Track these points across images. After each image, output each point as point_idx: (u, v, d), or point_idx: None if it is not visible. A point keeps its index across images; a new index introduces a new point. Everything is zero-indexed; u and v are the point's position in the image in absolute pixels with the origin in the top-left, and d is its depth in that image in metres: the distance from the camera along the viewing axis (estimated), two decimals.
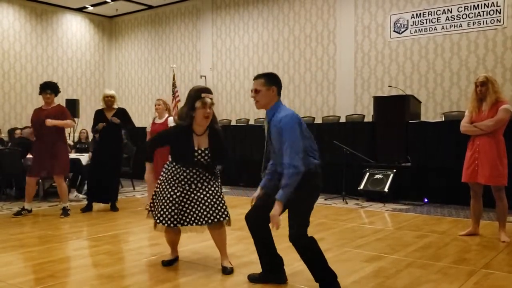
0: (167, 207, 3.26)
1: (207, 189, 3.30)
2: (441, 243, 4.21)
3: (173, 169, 3.30)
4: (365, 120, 8.72)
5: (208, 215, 3.25)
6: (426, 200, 6.50)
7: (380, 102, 7.46)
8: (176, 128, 3.33)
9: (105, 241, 4.32)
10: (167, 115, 5.91)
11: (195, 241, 4.11)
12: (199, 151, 3.26)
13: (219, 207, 3.28)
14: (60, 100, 12.12)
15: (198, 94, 3.22)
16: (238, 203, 6.61)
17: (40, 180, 6.88)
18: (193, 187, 3.29)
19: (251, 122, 10.32)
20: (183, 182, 3.28)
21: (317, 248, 2.85)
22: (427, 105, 8.79)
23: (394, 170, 6.72)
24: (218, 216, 3.26)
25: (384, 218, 5.57)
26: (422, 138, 6.81)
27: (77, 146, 8.89)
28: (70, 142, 9.30)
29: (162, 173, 3.38)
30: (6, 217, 5.55)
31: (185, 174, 3.28)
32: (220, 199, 3.32)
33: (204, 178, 3.32)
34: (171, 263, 3.55)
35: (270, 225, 2.86)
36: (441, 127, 6.75)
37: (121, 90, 14.09)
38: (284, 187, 2.70)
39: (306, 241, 2.83)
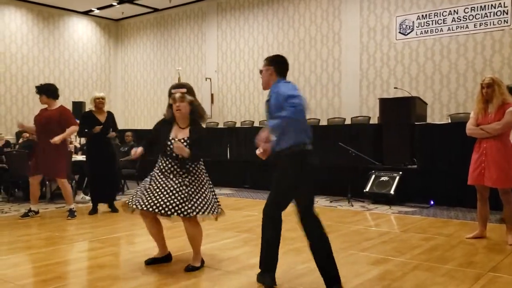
0: (138, 191, 3.42)
1: (177, 182, 3.35)
2: (448, 245, 4.18)
3: (158, 159, 3.49)
4: (371, 122, 8.70)
5: (170, 207, 3.25)
6: (432, 202, 6.46)
7: (385, 104, 7.43)
8: (160, 122, 3.57)
9: (111, 242, 4.34)
10: None
11: None
12: (172, 141, 3.38)
13: (185, 202, 3.28)
14: (66, 102, 12.31)
15: (170, 91, 3.49)
16: (243, 205, 6.62)
17: (47, 182, 6.93)
18: (167, 176, 3.39)
19: (256, 124, 10.33)
20: (160, 172, 3.43)
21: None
22: (433, 107, 8.75)
23: (400, 172, 6.69)
24: (180, 210, 3.25)
25: (390, 220, 5.54)
26: (428, 140, 6.77)
27: (84, 148, 8.93)
28: (76, 144, 9.36)
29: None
30: (14, 218, 5.59)
31: (164, 164, 3.43)
32: (186, 194, 3.30)
33: (177, 170, 3.38)
34: (153, 262, 3.56)
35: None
36: (447, 129, 6.71)
37: (126, 92, 14.16)
38: (281, 117, 2.76)
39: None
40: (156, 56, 13.43)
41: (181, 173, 3.38)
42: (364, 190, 6.79)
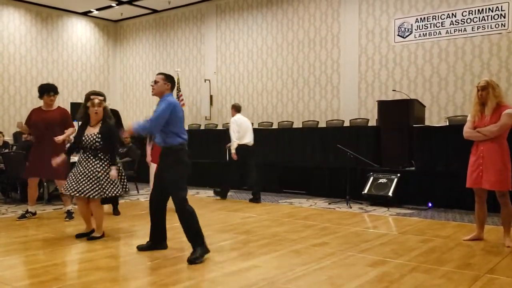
0: (68, 180, 4.40)
1: (90, 168, 4.31)
2: (445, 247, 4.19)
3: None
4: (369, 124, 8.71)
5: (86, 190, 4.27)
6: (430, 204, 6.47)
7: (384, 106, 7.45)
8: (80, 126, 4.50)
9: (109, 244, 4.33)
10: None
11: None
12: (87, 136, 4.35)
13: (93, 185, 4.27)
14: (65, 104, 12.28)
15: (88, 97, 4.49)
16: (241, 207, 6.62)
17: (45, 183, 6.91)
18: (83, 165, 4.34)
19: (255, 126, 10.32)
20: (79, 162, 4.39)
21: (195, 217, 3.71)
22: (431, 110, 8.78)
23: (398, 175, 6.70)
24: (91, 193, 4.27)
25: (388, 222, 5.55)
26: (426, 143, 6.79)
27: None
28: None
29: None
30: (11, 220, 5.58)
31: (81, 156, 4.41)
32: (96, 178, 4.28)
33: (91, 158, 4.34)
34: (82, 236, 4.49)
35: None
36: (445, 131, 6.74)
37: (125, 93, 14.14)
38: (141, 125, 3.73)
39: (187, 208, 3.68)
40: (155, 58, 13.44)
41: (93, 160, 4.31)
42: (363, 192, 6.79)
